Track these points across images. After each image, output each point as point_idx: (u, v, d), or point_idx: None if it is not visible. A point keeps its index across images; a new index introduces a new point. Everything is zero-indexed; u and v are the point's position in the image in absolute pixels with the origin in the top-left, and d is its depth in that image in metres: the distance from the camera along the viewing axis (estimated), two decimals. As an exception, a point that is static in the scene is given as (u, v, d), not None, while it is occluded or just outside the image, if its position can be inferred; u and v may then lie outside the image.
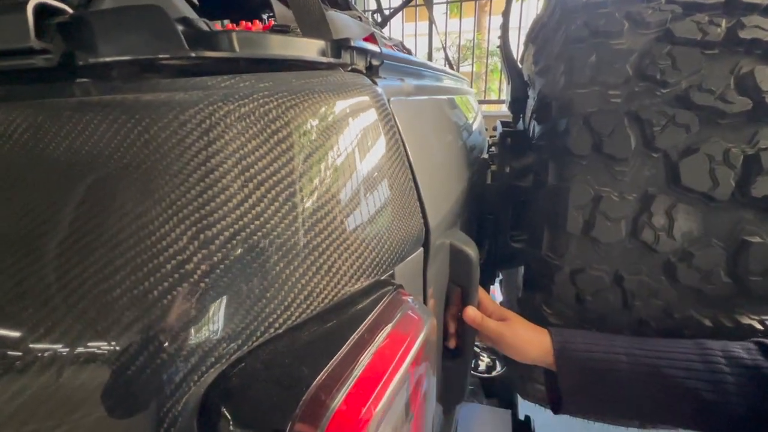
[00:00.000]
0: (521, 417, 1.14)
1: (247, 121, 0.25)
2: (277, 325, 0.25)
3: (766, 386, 0.42)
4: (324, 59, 0.34)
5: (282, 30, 0.60)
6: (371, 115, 0.33)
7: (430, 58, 3.43)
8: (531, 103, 0.89)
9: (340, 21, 0.57)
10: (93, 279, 0.22)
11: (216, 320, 0.23)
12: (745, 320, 0.54)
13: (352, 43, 0.35)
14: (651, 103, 0.57)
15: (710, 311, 0.56)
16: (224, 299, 0.24)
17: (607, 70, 0.59)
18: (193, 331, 0.23)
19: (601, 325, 0.62)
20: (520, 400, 1.24)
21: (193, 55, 0.28)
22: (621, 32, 0.61)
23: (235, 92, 0.26)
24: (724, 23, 0.57)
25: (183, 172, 0.23)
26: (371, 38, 0.89)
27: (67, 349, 0.22)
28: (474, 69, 4.70)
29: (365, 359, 0.26)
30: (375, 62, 0.40)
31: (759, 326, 0.54)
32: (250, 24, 0.74)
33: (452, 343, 0.59)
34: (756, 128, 0.54)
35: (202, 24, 0.46)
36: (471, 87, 1.63)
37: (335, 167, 0.29)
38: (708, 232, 0.54)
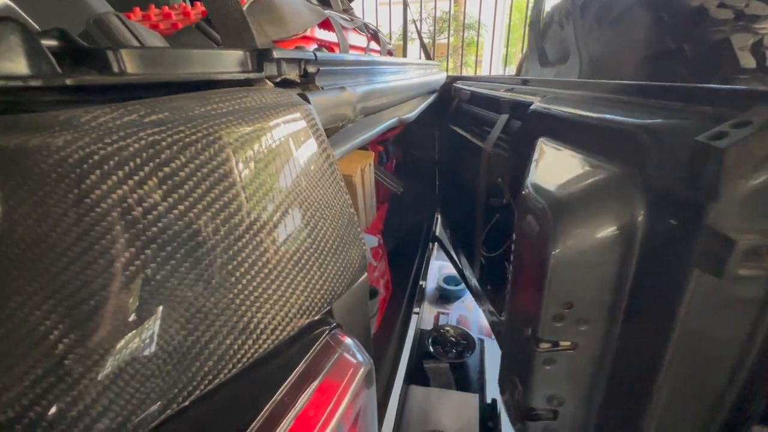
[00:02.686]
0: (488, 400, 1.18)
1: (130, 166, 0.21)
2: (179, 399, 0.22)
3: None
4: (243, 75, 0.30)
5: (209, 22, 0.53)
6: (297, 141, 0.29)
7: (405, 32, 3.29)
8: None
9: (287, 7, 0.51)
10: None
11: (93, 405, 0.20)
12: None
13: (275, 54, 0.30)
14: None
15: None
16: (102, 378, 0.20)
17: None
18: (73, 417, 0.20)
19: None
20: (487, 385, 1.28)
21: (68, 81, 0.23)
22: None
23: (115, 130, 0.22)
24: None
25: (47, 238, 0.19)
26: (327, 23, 0.82)
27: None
28: (450, 42, 4.56)
29: (287, 425, 0.23)
30: (310, 69, 0.36)
31: None
32: (189, 7, 0.67)
33: None
34: None
35: (114, 22, 0.40)
36: (447, 63, 1.57)
37: (250, 206, 0.26)
38: None
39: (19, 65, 0.23)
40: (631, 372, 0.43)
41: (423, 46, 1.61)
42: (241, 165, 0.25)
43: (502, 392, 0.64)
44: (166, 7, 0.68)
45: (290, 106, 0.30)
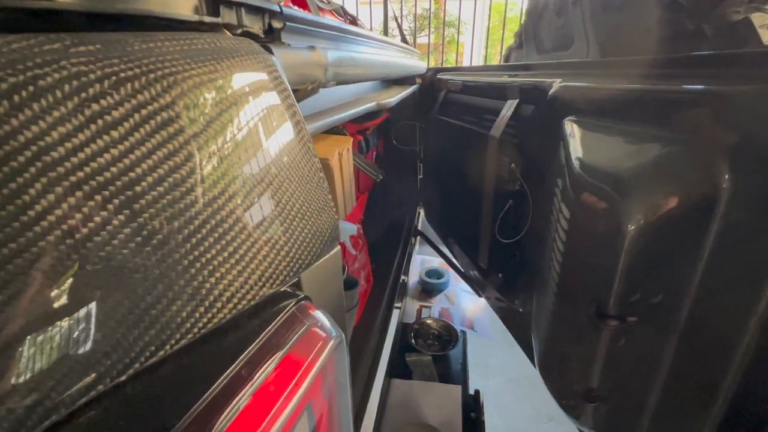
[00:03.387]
0: (471, 392, 1.17)
1: (50, 99, 0.18)
2: (116, 371, 0.19)
3: None
4: (195, 17, 0.26)
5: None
6: (256, 91, 0.27)
7: (385, 27, 3.27)
8: None
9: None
10: None
11: (32, 370, 0.17)
12: None
13: (234, -2, 0.27)
14: None
15: None
16: (40, 343, 0.17)
17: None
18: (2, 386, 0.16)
19: None
20: (470, 376, 1.27)
21: (-26, 2, 0.19)
22: None
23: (30, 57, 0.18)
24: None
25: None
26: (302, 1, 0.79)
27: None
28: (431, 40, 4.58)
29: (241, 401, 0.21)
30: (276, 24, 0.33)
31: None
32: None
33: None
34: None
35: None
36: (428, 60, 1.55)
37: (198, 161, 0.23)
38: None
39: None
40: (703, 350, 0.42)
41: (403, 37, 1.59)
42: (189, 110, 0.22)
43: (546, 377, 0.62)
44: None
45: (250, 53, 0.27)
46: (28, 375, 0.17)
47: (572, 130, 0.55)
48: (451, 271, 1.79)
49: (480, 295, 1.22)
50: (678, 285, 0.42)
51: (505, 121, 0.84)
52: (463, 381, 1.22)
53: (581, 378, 0.50)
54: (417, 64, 1.13)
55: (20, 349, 0.17)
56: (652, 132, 0.44)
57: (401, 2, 3.46)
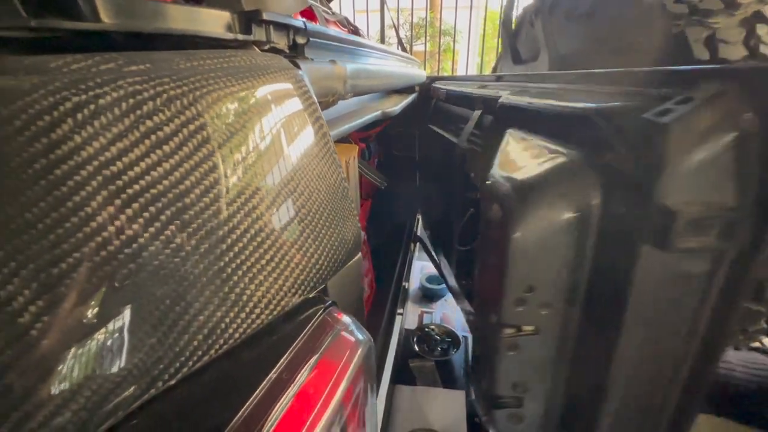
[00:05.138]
0: (474, 397, 1.18)
1: (108, 117, 0.19)
2: (165, 376, 0.20)
3: None
4: (230, 35, 0.28)
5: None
6: (288, 105, 0.28)
7: (382, 36, 3.31)
8: None
9: (269, -10, 0.49)
10: None
11: (78, 379, 0.18)
12: None
13: (265, 16, 0.29)
14: None
15: None
16: (86, 351, 0.18)
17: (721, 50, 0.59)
18: (42, 396, 0.17)
19: None
20: (473, 380, 1.28)
21: (33, 24, 0.21)
22: (715, 12, 0.61)
23: (90, 77, 0.19)
24: None
25: (9, 191, 0.17)
26: (309, 12, 0.81)
27: None
28: (427, 48, 4.64)
29: (282, 407, 0.21)
30: (300, 40, 0.34)
31: None
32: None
33: None
34: None
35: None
36: (424, 68, 1.57)
37: (240, 171, 0.24)
38: None
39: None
40: (591, 355, 0.44)
41: (402, 45, 1.62)
42: (231, 125, 0.23)
43: (472, 384, 0.63)
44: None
45: (282, 69, 0.28)
46: (90, 379, 0.18)
47: (505, 141, 0.58)
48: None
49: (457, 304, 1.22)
50: (563, 295, 0.44)
51: (469, 131, 0.86)
52: (467, 386, 1.22)
53: (490, 384, 0.52)
54: (418, 73, 1.15)
55: (82, 354, 0.18)
56: (554, 146, 0.46)
57: (398, 11, 3.51)
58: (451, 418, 1.08)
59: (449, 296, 1.92)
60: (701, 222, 0.32)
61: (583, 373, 0.45)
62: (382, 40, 3.33)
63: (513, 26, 1.31)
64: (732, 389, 0.50)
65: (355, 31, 1.16)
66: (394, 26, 2.46)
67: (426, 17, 3.83)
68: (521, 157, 0.50)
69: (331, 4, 1.56)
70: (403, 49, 1.78)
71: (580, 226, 0.40)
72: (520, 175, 0.44)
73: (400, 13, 3.71)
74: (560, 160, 0.42)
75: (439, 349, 1.42)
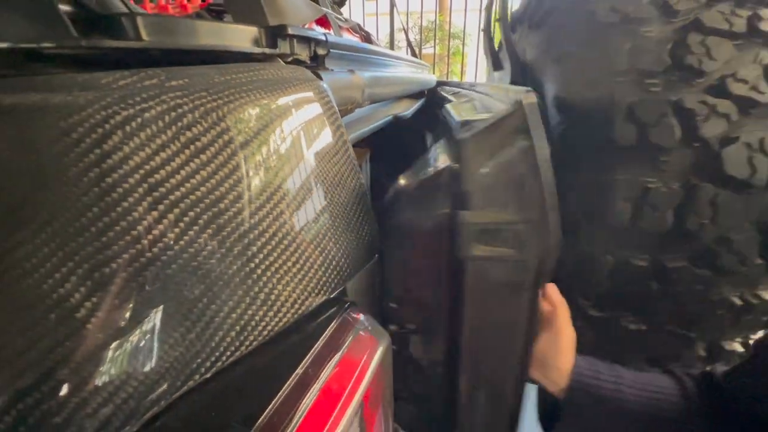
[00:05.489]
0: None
1: (153, 129, 0.21)
2: (202, 370, 0.22)
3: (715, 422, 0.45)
4: (257, 50, 0.29)
5: (218, 10, 0.53)
6: (312, 114, 0.29)
7: (392, 40, 3.33)
8: (550, 89, 0.87)
9: (288, 1, 0.51)
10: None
11: (122, 371, 0.19)
12: (767, 295, 0.58)
13: (290, 31, 0.30)
14: (690, 92, 0.57)
15: (740, 290, 0.59)
16: (131, 345, 0.20)
17: (645, 59, 0.59)
18: (92, 387, 0.19)
19: (640, 313, 0.63)
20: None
21: (83, 43, 0.22)
22: (651, 19, 0.60)
23: (137, 92, 0.21)
24: (744, 14, 0.58)
25: (67, 196, 0.19)
26: (324, 20, 0.82)
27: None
28: (436, 51, 4.65)
29: (309, 400, 0.23)
30: (320, 52, 0.36)
31: None
32: (186, 0, 0.66)
33: None
34: None
35: (116, 4, 0.39)
36: (433, 71, 1.58)
37: (269, 178, 0.25)
38: (744, 218, 0.56)
39: (34, 28, 0.22)
40: (444, 367, 0.46)
41: (412, 49, 1.63)
42: (261, 135, 0.25)
43: None
44: (162, 1, 0.67)
45: (306, 81, 0.30)
46: (138, 371, 0.19)
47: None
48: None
49: None
50: (429, 299, 0.45)
51: None
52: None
53: None
54: (428, 78, 1.16)
55: (130, 347, 0.19)
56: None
57: (407, 14, 3.52)
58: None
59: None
60: (489, 231, 0.35)
61: (454, 374, 0.47)
62: (392, 44, 3.35)
63: (492, 32, 1.31)
64: (617, 408, 0.50)
65: (367, 36, 1.18)
66: (404, 30, 2.48)
67: (435, 20, 3.84)
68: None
69: (342, 9, 1.59)
70: (413, 53, 1.80)
71: (430, 237, 0.42)
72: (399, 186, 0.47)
73: (409, 16, 3.73)
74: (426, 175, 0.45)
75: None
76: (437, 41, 4.33)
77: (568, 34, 0.72)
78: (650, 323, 0.64)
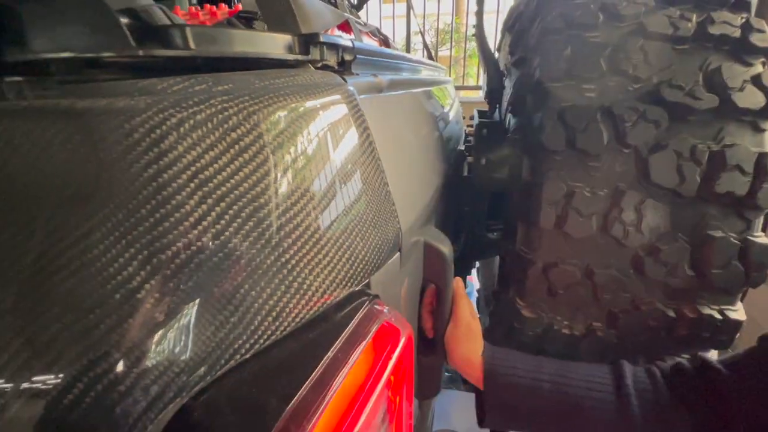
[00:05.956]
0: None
1: (204, 129, 0.23)
2: (243, 350, 0.24)
3: (663, 418, 0.45)
4: (291, 56, 0.31)
5: (248, 17, 0.56)
6: (342, 117, 0.31)
7: (408, 43, 3.35)
8: (507, 93, 0.88)
9: (312, 8, 0.53)
10: (34, 309, 0.20)
11: (175, 349, 0.21)
12: (706, 311, 0.57)
13: (322, 39, 0.32)
14: (623, 98, 0.57)
15: (674, 302, 0.58)
16: (183, 326, 0.22)
17: (581, 64, 0.59)
18: (148, 362, 0.21)
19: (572, 318, 0.63)
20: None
21: (140, 53, 0.25)
22: (596, 25, 0.60)
23: (189, 96, 0.23)
24: (694, 18, 0.57)
25: (130, 189, 0.21)
26: (345, 25, 0.85)
27: (6, 384, 0.20)
28: (452, 54, 4.65)
29: (339, 381, 0.25)
30: (347, 57, 0.38)
31: (718, 315, 0.57)
32: (215, 8, 0.69)
33: (427, 339, 0.60)
34: (721, 125, 0.55)
35: (159, 15, 0.42)
36: (449, 73, 1.60)
37: (304, 176, 0.27)
38: (674, 227, 0.56)
39: (97, 39, 0.24)
40: None
41: (428, 52, 1.65)
42: (297, 135, 0.27)
43: None
44: (192, 8, 0.71)
45: (336, 85, 0.32)
46: (188, 348, 0.22)
47: None
48: (474, 281, 1.80)
49: None
50: None
51: None
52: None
53: None
54: (444, 80, 1.17)
55: (183, 326, 0.21)
56: None
57: (424, 16, 3.54)
58: (473, 422, 1.09)
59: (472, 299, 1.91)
60: None
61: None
62: (408, 47, 3.37)
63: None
64: (535, 398, 0.50)
65: (385, 40, 1.20)
66: (421, 32, 2.50)
67: (452, 23, 3.85)
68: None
69: (359, 12, 1.62)
70: (429, 55, 1.82)
71: None
72: None
73: (426, 19, 3.75)
74: None
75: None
76: (453, 43, 4.33)
77: (525, 39, 0.72)
78: (582, 328, 0.63)
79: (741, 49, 0.55)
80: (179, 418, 0.22)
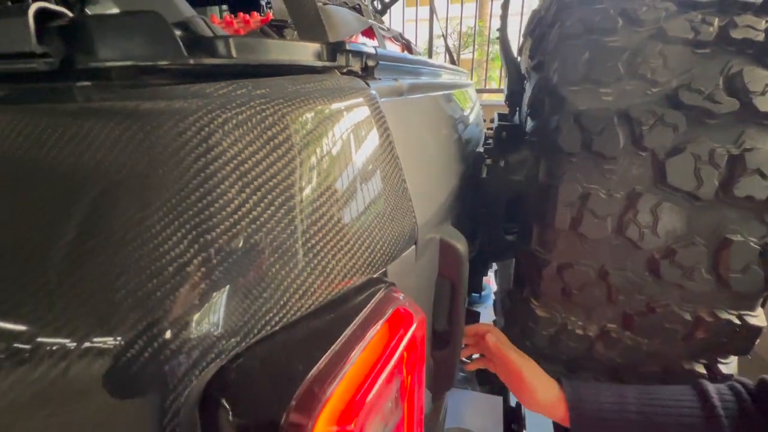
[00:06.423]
0: (512, 404, 1.18)
1: (245, 128, 0.26)
2: (273, 322, 0.27)
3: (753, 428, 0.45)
4: (319, 63, 0.35)
5: (279, 26, 0.60)
6: (365, 119, 0.34)
7: (430, 47, 3.37)
8: (527, 96, 0.89)
9: (339, 16, 0.57)
10: (100, 280, 0.24)
11: (216, 318, 0.25)
12: (724, 315, 0.56)
13: (348, 47, 0.36)
14: (641, 102, 0.58)
15: (691, 306, 0.58)
16: (223, 299, 0.25)
17: (599, 68, 0.60)
18: (194, 328, 0.24)
19: (587, 318, 0.64)
20: (510, 387, 1.28)
21: (192, 61, 0.28)
22: (615, 29, 0.61)
23: (232, 99, 0.27)
24: (716, 22, 0.57)
25: (182, 179, 0.24)
26: (369, 31, 0.88)
27: (75, 344, 0.23)
28: (475, 57, 4.64)
29: (357, 353, 0.27)
30: (370, 63, 0.41)
31: (737, 321, 0.56)
32: (248, 16, 0.74)
33: (440, 333, 0.62)
34: (742, 129, 0.55)
35: (202, 27, 0.46)
36: (471, 76, 1.61)
37: (330, 171, 0.30)
38: (691, 230, 0.56)
39: (153, 48, 0.28)
40: None
41: (450, 55, 1.67)
42: (325, 134, 0.30)
43: None
44: (227, 16, 0.76)
45: (360, 90, 0.35)
46: (232, 314, 0.25)
47: None
48: (491, 284, 1.80)
49: None
50: None
51: None
52: (504, 393, 1.23)
53: None
54: (466, 83, 1.19)
55: (225, 297, 0.25)
56: None
57: (447, 20, 3.55)
58: (488, 423, 1.10)
59: (488, 304, 1.91)
60: None
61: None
62: (430, 50, 3.39)
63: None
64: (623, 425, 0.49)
65: (408, 45, 1.24)
66: (443, 36, 2.51)
67: (474, 26, 3.84)
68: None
69: (382, 17, 1.66)
70: (451, 59, 1.83)
71: None
72: None
73: (448, 22, 3.76)
74: None
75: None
76: (476, 47, 4.32)
77: (544, 43, 0.73)
78: (596, 329, 0.63)
79: (764, 53, 0.55)
80: (218, 378, 0.25)
